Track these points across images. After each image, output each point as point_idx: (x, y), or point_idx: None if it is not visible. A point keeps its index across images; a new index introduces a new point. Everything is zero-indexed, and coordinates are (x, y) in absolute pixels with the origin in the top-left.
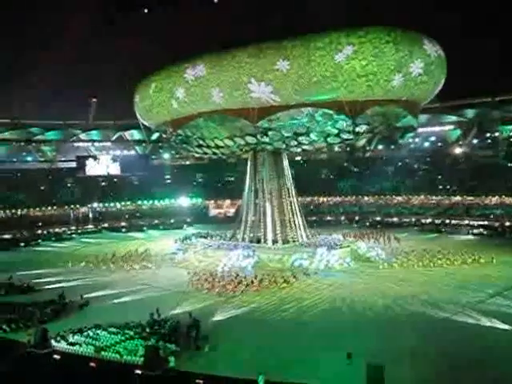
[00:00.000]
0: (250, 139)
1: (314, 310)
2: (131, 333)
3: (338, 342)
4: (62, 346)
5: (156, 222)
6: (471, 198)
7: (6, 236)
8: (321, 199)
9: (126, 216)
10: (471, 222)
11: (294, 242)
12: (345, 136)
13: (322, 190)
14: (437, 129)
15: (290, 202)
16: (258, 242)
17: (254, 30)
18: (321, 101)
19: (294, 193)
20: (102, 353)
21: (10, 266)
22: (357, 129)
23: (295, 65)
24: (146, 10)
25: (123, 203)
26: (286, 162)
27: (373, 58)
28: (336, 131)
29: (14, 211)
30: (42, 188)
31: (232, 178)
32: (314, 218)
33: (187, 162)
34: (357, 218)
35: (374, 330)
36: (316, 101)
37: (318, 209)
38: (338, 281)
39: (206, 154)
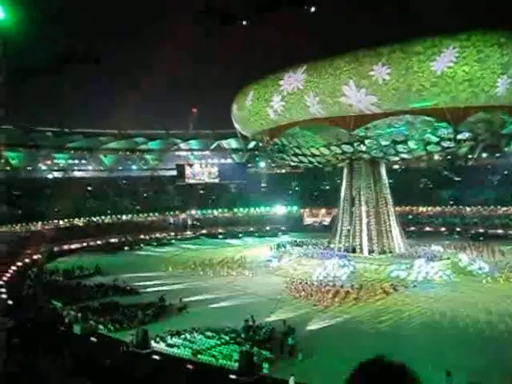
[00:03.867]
0: (346, 148)
1: (411, 324)
2: (227, 338)
3: (436, 359)
4: (161, 346)
5: (252, 229)
6: None
7: (112, 240)
8: (419, 209)
9: (223, 223)
10: None
11: (390, 252)
12: (446, 144)
13: (421, 199)
14: None
15: (387, 212)
16: (354, 251)
17: (352, 36)
18: (420, 108)
19: (391, 202)
20: (199, 356)
21: (115, 268)
22: (458, 136)
23: (393, 71)
24: (244, 22)
25: (220, 210)
26: (383, 171)
27: (476, 63)
28: (436, 139)
29: (119, 217)
30: (145, 195)
31: (328, 187)
32: (412, 229)
33: (283, 171)
34: (458, 229)
35: (476, 347)
36: (415, 108)
37: (416, 219)
38: (437, 294)
39: (301, 162)
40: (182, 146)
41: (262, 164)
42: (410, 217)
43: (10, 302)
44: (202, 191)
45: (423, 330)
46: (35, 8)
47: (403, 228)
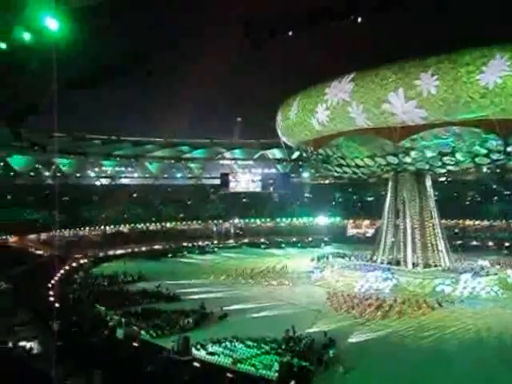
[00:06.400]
0: (391, 159)
1: (456, 340)
2: (267, 347)
3: (481, 378)
4: (201, 354)
5: (294, 239)
6: None
7: (156, 247)
8: (466, 222)
9: (266, 232)
10: None
11: (435, 266)
12: (495, 156)
13: (468, 212)
14: None
15: (433, 225)
16: (397, 264)
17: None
18: (468, 119)
19: (436, 215)
20: (239, 365)
21: (158, 275)
22: (508, 149)
23: (441, 81)
24: (290, 33)
25: (263, 220)
26: (429, 183)
27: None
28: (485, 151)
29: (163, 224)
30: (189, 203)
31: (371, 198)
32: (458, 242)
33: (326, 181)
34: (506, 244)
35: None
36: (463, 119)
37: (462, 233)
38: (484, 310)
39: (345, 173)
40: (227, 155)
41: (306, 174)
42: (457, 230)
43: (57, 306)
44: (245, 200)
45: (468, 346)
46: (88, 20)
47: (449, 242)
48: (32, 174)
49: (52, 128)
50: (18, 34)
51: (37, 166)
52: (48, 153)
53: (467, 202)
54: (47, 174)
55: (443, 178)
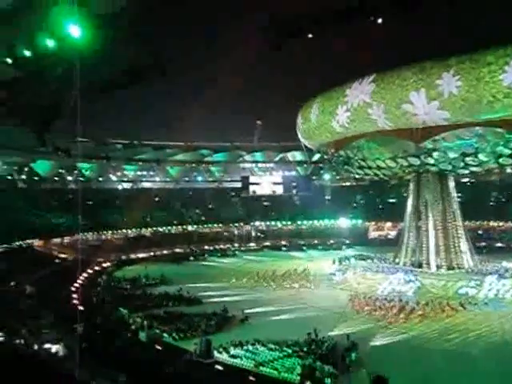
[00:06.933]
0: (413, 160)
1: (481, 343)
2: (289, 350)
3: (508, 381)
4: (223, 357)
5: (316, 242)
6: None
7: (178, 250)
8: (490, 224)
9: (287, 235)
10: None
11: (459, 268)
12: None
13: (492, 214)
14: None
15: (456, 226)
16: (420, 266)
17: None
18: (491, 119)
19: (459, 216)
20: (261, 368)
21: (180, 278)
22: None
23: (463, 82)
24: (310, 35)
25: (284, 222)
26: (451, 184)
27: None
28: (509, 151)
29: (184, 227)
30: (210, 206)
31: (393, 200)
32: (482, 244)
33: (347, 183)
34: None
35: None
36: (486, 119)
37: (486, 234)
38: (509, 313)
39: (367, 175)
40: (247, 158)
41: (327, 176)
42: (480, 232)
43: (81, 308)
44: (265, 203)
45: (493, 350)
46: (108, 26)
47: (473, 243)
48: (56, 178)
49: (75, 133)
50: (41, 41)
51: (60, 170)
52: (72, 158)
53: (491, 203)
54: (70, 178)
55: (466, 179)
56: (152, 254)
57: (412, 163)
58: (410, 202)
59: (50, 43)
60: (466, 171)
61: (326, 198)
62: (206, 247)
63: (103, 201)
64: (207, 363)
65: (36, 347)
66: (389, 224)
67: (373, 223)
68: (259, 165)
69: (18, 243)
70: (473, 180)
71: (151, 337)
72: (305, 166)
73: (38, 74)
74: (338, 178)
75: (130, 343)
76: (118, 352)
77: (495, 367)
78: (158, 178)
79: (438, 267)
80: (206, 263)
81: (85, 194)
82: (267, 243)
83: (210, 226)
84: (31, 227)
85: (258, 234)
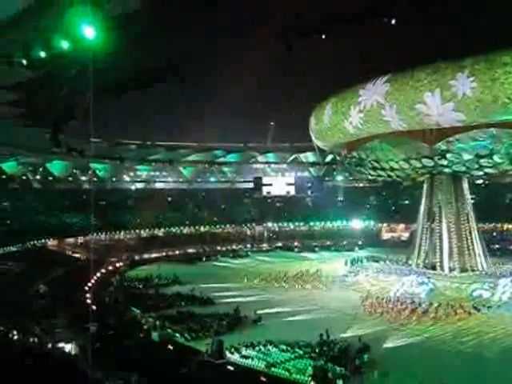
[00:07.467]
0: (426, 162)
1: (495, 346)
2: (301, 352)
3: None
4: (235, 357)
5: (328, 243)
6: None
7: (190, 250)
8: (505, 226)
9: (299, 236)
10: None
11: (473, 270)
12: None
13: (507, 216)
14: None
15: (469, 228)
16: (433, 268)
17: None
18: (506, 121)
19: (473, 218)
20: (272, 369)
21: (193, 278)
22: None
23: (478, 83)
24: (323, 36)
25: (296, 223)
26: (465, 186)
27: None
28: None
29: (197, 228)
30: (223, 207)
31: (407, 202)
32: (496, 246)
33: (360, 185)
34: None
35: None
36: (501, 121)
37: (501, 236)
38: None
39: (380, 176)
40: (260, 159)
41: (340, 177)
42: (495, 234)
43: (94, 308)
44: (278, 204)
45: (507, 353)
46: (123, 28)
47: (487, 246)
48: (70, 179)
49: (89, 133)
50: (56, 42)
51: (74, 171)
52: (85, 158)
53: (505, 205)
54: (84, 178)
55: (480, 181)
56: (164, 254)
57: (425, 165)
58: (423, 204)
59: (65, 45)
60: (481, 173)
61: (339, 199)
62: (219, 248)
63: (116, 201)
64: (219, 364)
65: (50, 346)
66: (402, 226)
67: (385, 225)
68: (272, 165)
69: (31, 243)
70: (487, 181)
71: (163, 337)
72: (318, 167)
73: (53, 76)
74: (350, 179)
75: (142, 343)
76: (130, 352)
77: (509, 370)
78: (170, 179)
79: (451, 269)
80: (219, 264)
81: (98, 195)
82: (279, 244)
83: (222, 226)
84: (45, 227)
85: (271, 234)
